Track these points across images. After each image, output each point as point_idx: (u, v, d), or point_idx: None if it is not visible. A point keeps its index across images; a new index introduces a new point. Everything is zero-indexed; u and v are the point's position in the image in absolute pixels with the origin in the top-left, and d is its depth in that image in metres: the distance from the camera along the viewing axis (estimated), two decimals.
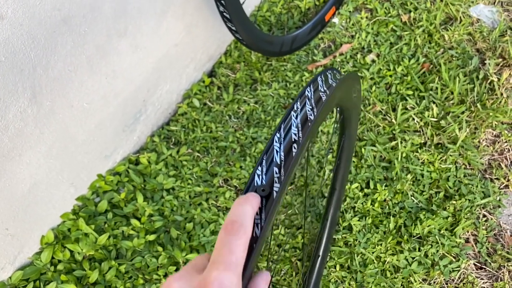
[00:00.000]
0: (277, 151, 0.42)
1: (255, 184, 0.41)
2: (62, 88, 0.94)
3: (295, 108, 0.47)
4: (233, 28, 1.19)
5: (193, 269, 0.35)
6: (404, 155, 1.23)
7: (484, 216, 1.16)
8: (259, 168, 0.42)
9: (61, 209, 1.11)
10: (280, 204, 0.40)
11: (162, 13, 1.14)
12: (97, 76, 1.02)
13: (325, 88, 0.51)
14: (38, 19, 0.81)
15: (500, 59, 1.37)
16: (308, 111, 0.47)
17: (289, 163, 0.41)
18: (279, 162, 0.41)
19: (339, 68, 1.43)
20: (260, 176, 0.41)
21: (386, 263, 1.11)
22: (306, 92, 0.50)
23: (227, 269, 0.32)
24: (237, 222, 0.35)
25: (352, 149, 0.95)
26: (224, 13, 1.15)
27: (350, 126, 0.82)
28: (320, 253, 1.09)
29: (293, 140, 0.43)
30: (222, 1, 1.10)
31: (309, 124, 0.45)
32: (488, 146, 1.26)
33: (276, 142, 0.43)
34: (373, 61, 1.43)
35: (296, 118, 0.46)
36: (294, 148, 0.42)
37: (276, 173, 0.41)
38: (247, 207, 0.37)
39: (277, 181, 0.40)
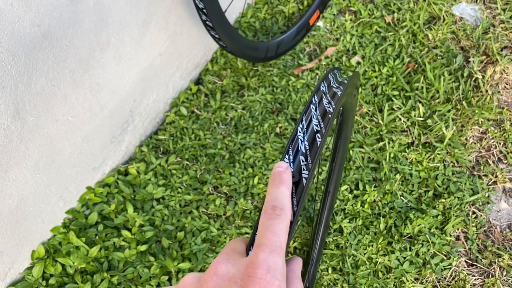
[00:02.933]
0: (301, 141, 0.44)
1: None
2: (45, 103, 0.94)
3: (313, 101, 0.50)
4: (217, 36, 1.19)
5: (234, 252, 0.36)
6: (392, 155, 1.24)
7: (474, 213, 1.16)
8: (286, 156, 0.44)
9: (51, 223, 1.11)
10: (309, 191, 0.42)
11: (145, 24, 1.14)
12: (81, 89, 1.02)
13: (337, 84, 0.54)
14: (18, 36, 0.81)
15: (484, 56, 1.38)
16: (326, 104, 0.49)
17: (315, 151, 0.44)
18: (304, 151, 0.43)
19: (324, 72, 1.44)
20: (288, 164, 0.43)
21: (377, 264, 1.11)
22: (321, 87, 0.52)
23: (273, 251, 0.33)
24: (277, 207, 0.36)
25: (346, 151, 0.96)
26: (207, 22, 1.15)
27: (347, 128, 0.84)
28: (314, 257, 1.10)
29: (315, 130, 0.46)
30: (204, 10, 1.11)
31: (329, 116, 0.47)
32: (475, 143, 1.26)
33: (299, 132, 0.46)
34: (358, 63, 1.44)
35: (316, 110, 0.48)
36: (318, 137, 0.45)
37: (303, 161, 0.42)
38: (283, 188, 0.37)
39: (304, 168, 0.42)
